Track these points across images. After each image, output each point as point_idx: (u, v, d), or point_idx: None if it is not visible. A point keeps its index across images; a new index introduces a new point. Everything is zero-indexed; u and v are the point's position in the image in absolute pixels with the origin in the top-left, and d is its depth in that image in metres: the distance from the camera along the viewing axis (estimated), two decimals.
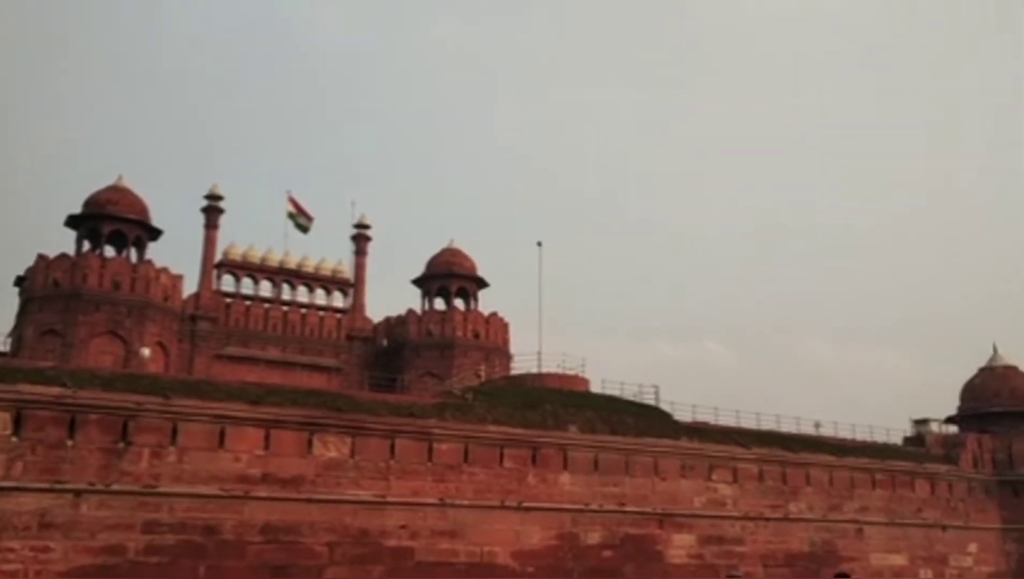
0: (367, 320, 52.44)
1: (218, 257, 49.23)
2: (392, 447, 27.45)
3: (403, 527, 26.88)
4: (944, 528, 38.97)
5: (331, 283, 52.47)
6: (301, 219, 51.52)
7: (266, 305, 49.57)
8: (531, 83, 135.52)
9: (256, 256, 50.65)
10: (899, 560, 36.97)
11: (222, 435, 25.14)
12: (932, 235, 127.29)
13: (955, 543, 39.12)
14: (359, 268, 53.21)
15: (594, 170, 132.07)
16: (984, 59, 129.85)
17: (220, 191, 48.90)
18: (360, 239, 53.63)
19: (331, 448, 26.59)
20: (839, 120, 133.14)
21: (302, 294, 51.58)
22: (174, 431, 24.58)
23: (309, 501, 25.72)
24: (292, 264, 51.29)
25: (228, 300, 48.62)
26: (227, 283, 49.64)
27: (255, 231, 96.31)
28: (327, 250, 53.63)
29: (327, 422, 26.73)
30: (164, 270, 43.94)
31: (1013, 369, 46.23)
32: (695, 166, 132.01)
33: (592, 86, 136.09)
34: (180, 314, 45.21)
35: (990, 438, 42.76)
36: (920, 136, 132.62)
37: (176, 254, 51.39)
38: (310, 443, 26.32)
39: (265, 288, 50.61)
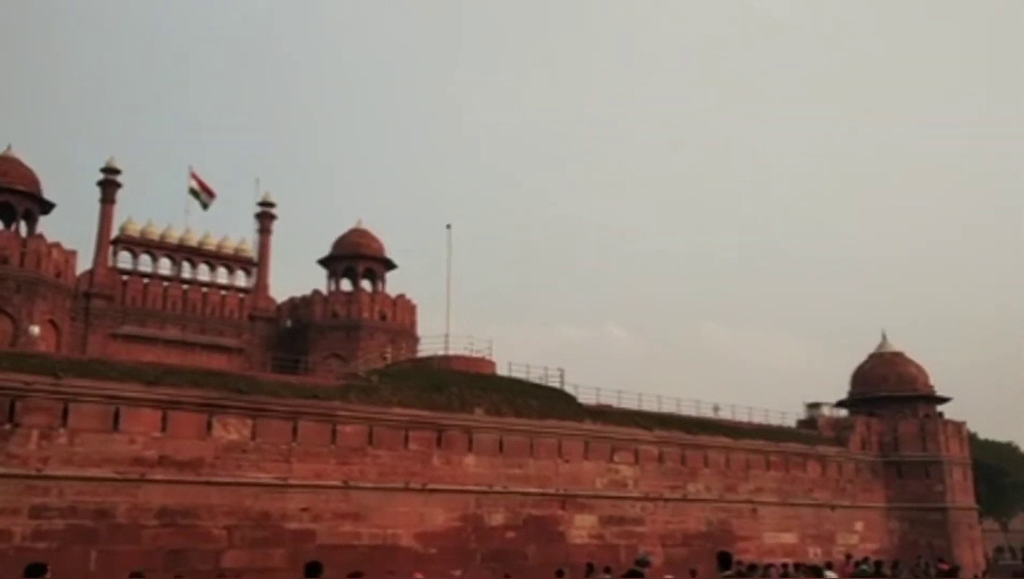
0: (271, 300, 51.49)
1: (115, 233, 47.58)
2: (295, 429, 27.05)
3: (305, 510, 26.54)
4: (833, 507, 40.56)
5: (234, 262, 51.30)
6: (203, 196, 50.13)
7: (165, 283, 48.16)
8: (443, 64, 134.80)
9: (155, 232, 49.14)
10: (790, 539, 38.32)
11: (116, 416, 24.32)
12: (825, 225, 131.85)
13: (843, 522, 40.78)
14: (263, 247, 52.17)
15: (503, 157, 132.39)
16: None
17: (117, 164, 47.20)
18: (264, 217, 52.56)
19: (231, 430, 26.04)
20: (740, 112, 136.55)
21: (203, 273, 50.28)
22: (65, 412, 23.67)
23: (208, 484, 25.15)
24: (193, 241, 49.93)
25: (125, 277, 47.07)
26: (124, 260, 48.06)
27: (154, 207, 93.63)
28: (230, 228, 52.71)
29: (227, 404, 26.14)
30: (56, 245, 42.23)
31: (900, 355, 48.24)
32: (603, 157, 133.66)
33: (504, 71, 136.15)
34: (73, 291, 43.55)
35: (878, 421, 44.60)
36: (821, 128, 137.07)
37: (70, 229, 49.64)
38: (209, 425, 25.70)
39: (164, 266, 49.17)
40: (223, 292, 49.90)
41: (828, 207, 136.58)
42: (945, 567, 29.47)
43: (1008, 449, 63.47)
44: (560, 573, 24.22)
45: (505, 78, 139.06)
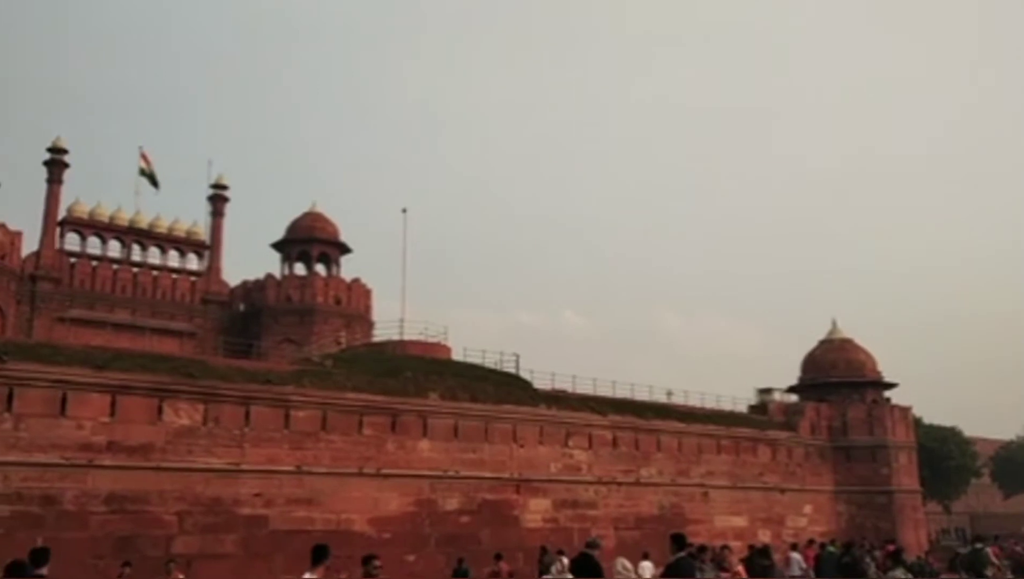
0: (223, 283, 50.89)
1: (62, 214, 46.62)
2: (247, 414, 26.75)
3: (258, 495, 26.31)
4: (782, 491, 41.23)
5: (185, 245, 50.61)
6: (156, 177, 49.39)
7: (115, 266, 47.35)
8: (402, 47, 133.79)
9: (104, 214, 48.26)
10: (740, 522, 38.89)
11: (64, 401, 23.86)
12: (778, 214, 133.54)
13: (792, 505, 41.47)
14: (216, 230, 51.51)
15: (460, 142, 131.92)
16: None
17: (64, 144, 46.23)
18: (217, 200, 51.87)
19: (182, 415, 25.69)
20: (701, 104, 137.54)
21: (154, 256, 49.55)
22: (10, 397, 23.16)
23: (158, 469, 24.80)
24: (143, 223, 49.16)
25: (73, 260, 46.17)
26: (72, 242, 47.18)
27: (104, 188, 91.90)
28: (182, 210, 52.12)
29: (178, 388, 25.77)
30: (1, 226, 41.25)
31: (849, 342, 49.05)
32: (560, 145, 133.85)
33: (465, 56, 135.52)
34: (19, 274, 42.65)
35: (827, 406, 45.36)
36: (775, 115, 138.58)
37: (15, 210, 48.54)
38: (160, 410, 25.33)
39: (114, 248, 48.35)
40: (174, 275, 49.22)
41: (782, 198, 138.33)
42: (890, 548, 29.99)
43: (952, 433, 64.82)
44: (499, 557, 24.53)
45: (465, 63, 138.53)
